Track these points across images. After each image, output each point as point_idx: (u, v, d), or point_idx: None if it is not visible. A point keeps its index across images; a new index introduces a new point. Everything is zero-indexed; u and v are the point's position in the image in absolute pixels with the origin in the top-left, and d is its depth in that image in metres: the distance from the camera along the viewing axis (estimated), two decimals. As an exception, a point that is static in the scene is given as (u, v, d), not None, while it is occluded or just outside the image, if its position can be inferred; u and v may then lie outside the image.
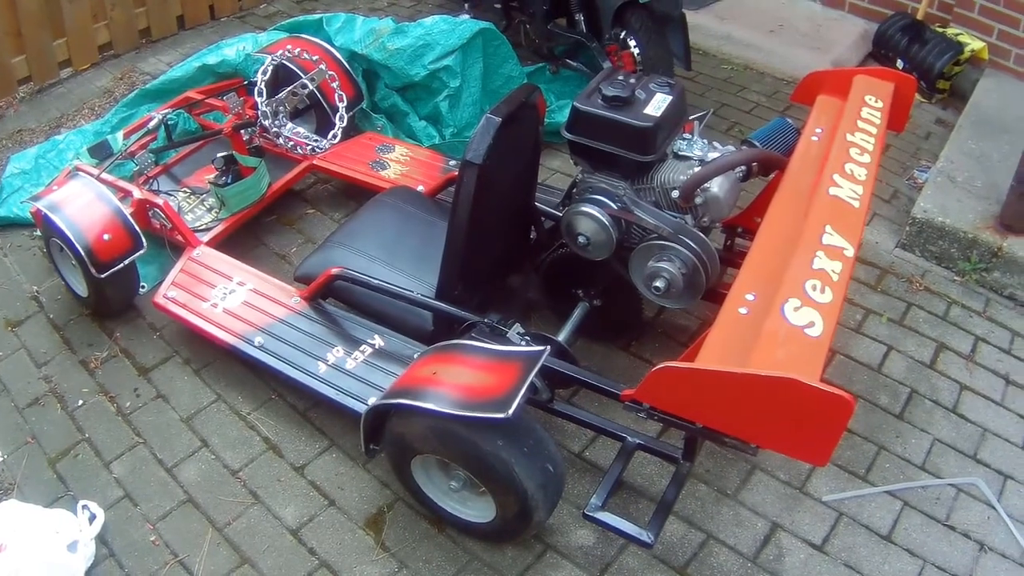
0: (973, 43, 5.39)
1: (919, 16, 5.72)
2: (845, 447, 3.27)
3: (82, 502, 2.95)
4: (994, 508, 3.10)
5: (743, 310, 2.37)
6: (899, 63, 5.56)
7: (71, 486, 3.09)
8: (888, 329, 3.80)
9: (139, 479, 3.11)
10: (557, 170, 4.66)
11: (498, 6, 5.29)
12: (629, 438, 2.91)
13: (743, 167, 2.99)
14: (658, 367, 2.20)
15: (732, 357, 2.21)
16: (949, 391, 3.55)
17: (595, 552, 2.91)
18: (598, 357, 3.54)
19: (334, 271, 3.19)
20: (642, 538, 2.64)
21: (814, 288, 2.27)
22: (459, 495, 2.85)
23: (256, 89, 4.07)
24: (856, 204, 2.59)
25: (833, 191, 2.61)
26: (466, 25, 4.52)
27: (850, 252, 2.41)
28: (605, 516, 2.70)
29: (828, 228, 2.46)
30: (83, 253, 3.36)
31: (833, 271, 2.34)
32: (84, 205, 3.48)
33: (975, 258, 4.05)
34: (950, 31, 5.52)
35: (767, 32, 6.04)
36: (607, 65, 4.40)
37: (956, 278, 4.10)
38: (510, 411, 2.36)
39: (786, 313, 2.21)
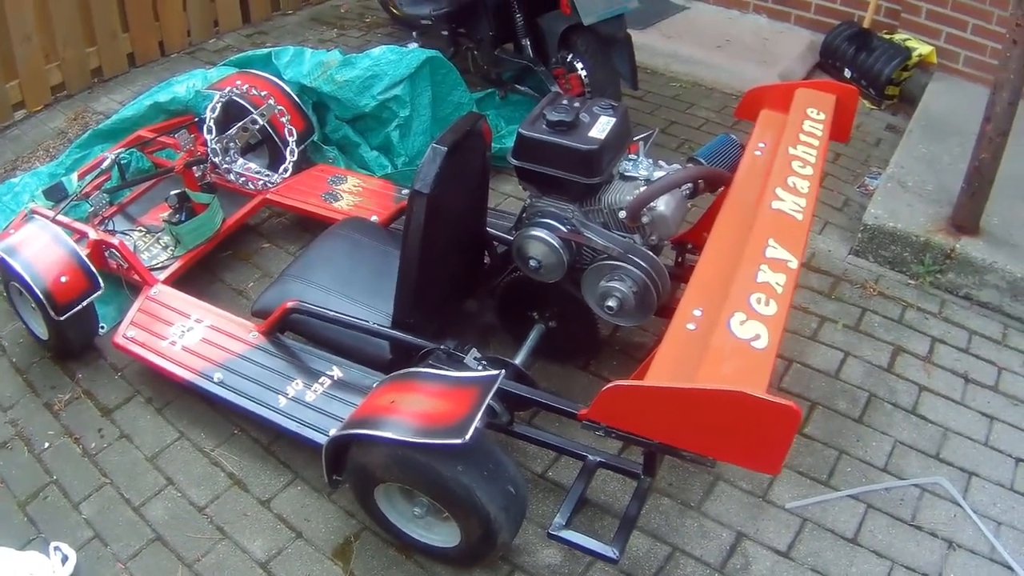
0: (921, 48, 5.46)
1: (865, 24, 5.79)
2: (805, 453, 3.30)
3: (54, 544, 2.94)
4: (960, 506, 3.13)
5: (691, 326, 2.41)
6: (847, 72, 5.63)
7: (42, 528, 3.07)
8: (844, 335, 3.84)
9: (108, 519, 3.10)
10: (509, 194, 4.69)
11: (445, 33, 5.31)
12: (590, 456, 2.93)
13: (689, 185, 3.03)
14: (608, 386, 2.23)
15: (681, 373, 2.24)
16: (908, 393, 3.59)
17: (562, 570, 2.92)
18: (556, 378, 3.56)
19: (290, 305, 3.20)
20: (607, 554, 2.66)
21: (759, 301, 2.31)
22: (424, 521, 2.86)
23: (205, 126, 4.08)
24: (799, 217, 2.63)
25: (776, 205, 2.66)
26: (413, 54, 4.55)
27: (794, 264, 2.45)
28: (570, 534, 2.71)
29: (771, 241, 2.50)
30: (42, 296, 3.35)
31: (777, 283, 2.37)
32: (41, 248, 3.47)
33: (928, 261, 4.10)
34: (897, 37, 5.59)
35: (714, 48, 6.10)
36: (555, 89, 4.46)
37: (910, 281, 4.15)
38: (467, 436, 2.37)
39: (732, 327, 2.24)
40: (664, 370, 2.28)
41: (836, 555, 2.97)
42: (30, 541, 3.03)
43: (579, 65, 4.65)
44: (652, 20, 6.39)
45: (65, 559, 2.90)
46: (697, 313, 2.44)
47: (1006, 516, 3.11)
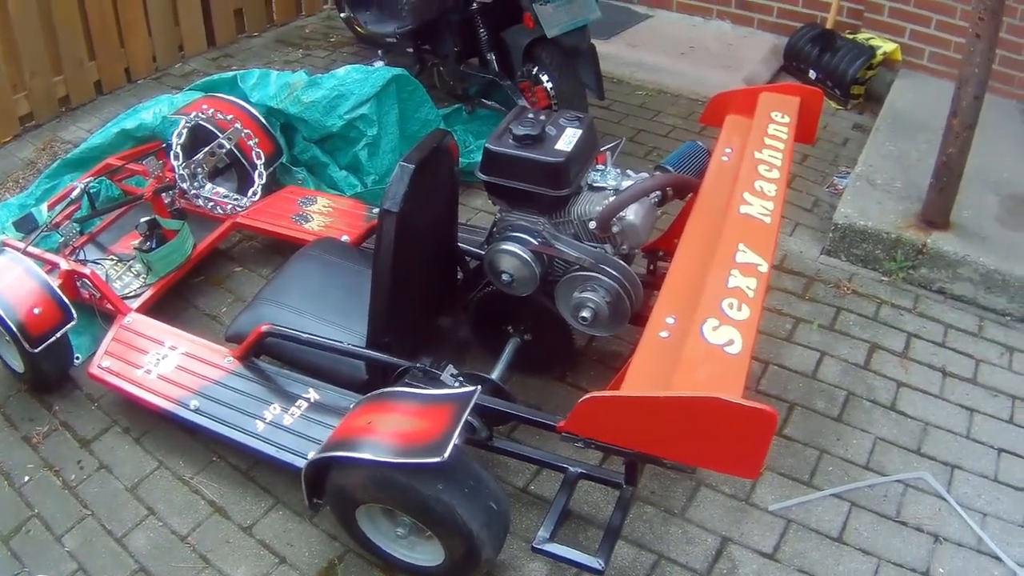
0: (885, 46, 5.51)
1: (828, 25, 5.84)
2: (786, 454, 3.31)
3: (38, 577, 2.93)
4: (944, 499, 3.14)
5: (664, 333, 2.41)
6: (812, 73, 5.67)
7: (26, 562, 3.05)
8: (820, 335, 3.86)
9: (91, 551, 3.07)
10: (481, 209, 4.69)
11: (410, 51, 5.33)
12: (571, 468, 2.92)
13: (658, 193, 3.04)
14: (584, 398, 2.22)
15: (656, 381, 2.25)
16: (886, 390, 3.60)
17: (548, 584, 2.92)
18: (534, 391, 3.56)
19: (264, 328, 3.19)
20: (593, 565, 2.66)
21: (731, 306, 2.31)
22: (407, 541, 2.85)
23: (172, 152, 4.06)
24: (767, 220, 2.64)
25: (744, 209, 2.66)
26: (379, 73, 4.55)
27: (764, 268, 2.45)
28: (554, 547, 2.71)
29: (741, 246, 2.50)
30: (15, 329, 3.32)
31: (748, 288, 2.37)
32: (12, 281, 3.45)
33: (900, 257, 4.12)
34: (861, 36, 5.64)
35: (678, 55, 6.14)
36: (521, 102, 4.47)
37: (883, 278, 4.18)
38: (445, 454, 2.36)
39: (705, 333, 2.24)
40: (639, 379, 2.29)
41: (822, 555, 2.98)
42: (15, 575, 3.01)
43: (544, 78, 4.67)
44: (616, 29, 6.42)
45: (50, 593, 2.88)
46: (670, 321, 2.44)
47: (991, 507, 3.13)
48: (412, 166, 2.78)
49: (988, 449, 3.36)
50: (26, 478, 3.35)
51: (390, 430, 2.56)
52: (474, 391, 2.63)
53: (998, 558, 2.96)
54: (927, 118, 4.87)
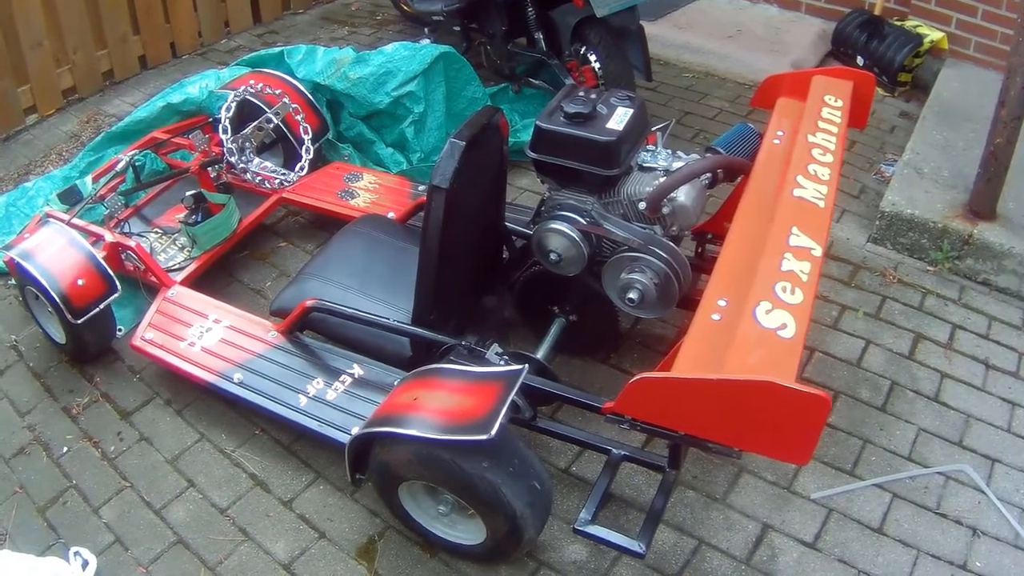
0: (932, 34, 5.44)
1: (876, 11, 5.77)
2: (830, 443, 3.28)
3: (74, 549, 2.93)
4: (984, 493, 3.11)
5: (716, 316, 2.39)
6: (859, 60, 5.61)
7: (62, 533, 3.07)
8: (865, 323, 3.82)
9: (128, 523, 3.10)
10: (525, 188, 4.68)
11: (457, 29, 5.32)
12: (614, 450, 2.91)
13: (708, 174, 3.01)
14: (635, 379, 2.21)
15: (708, 364, 2.23)
16: (930, 380, 3.57)
17: (588, 566, 2.91)
18: (578, 372, 3.55)
19: (309, 303, 3.19)
20: (634, 548, 2.64)
21: (784, 290, 2.29)
22: (448, 519, 2.85)
23: (221, 126, 4.06)
24: (821, 204, 2.61)
25: (798, 192, 2.64)
26: (427, 50, 4.54)
27: (818, 252, 2.43)
28: (596, 529, 2.69)
29: (795, 229, 2.48)
30: (58, 300, 3.34)
31: (802, 272, 2.35)
32: (57, 252, 3.47)
33: (947, 247, 4.08)
34: (908, 24, 5.57)
35: (725, 38, 6.09)
36: (569, 82, 4.44)
37: (929, 268, 4.14)
38: (492, 432, 2.36)
39: (758, 316, 2.22)
40: (691, 361, 2.27)
41: (862, 545, 2.96)
42: (50, 547, 3.03)
43: (592, 57, 4.64)
44: (664, 11, 6.37)
45: (85, 564, 2.89)
46: (722, 303, 2.42)
47: (1030, 503, 3.11)
48: (463, 143, 2.77)
49: (1029, 444, 3.33)
50: (65, 449, 3.37)
51: (437, 407, 2.56)
52: (522, 369, 2.62)
53: (1035, 554, 2.94)
54: (973, 108, 4.81)
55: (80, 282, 3.40)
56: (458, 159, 2.76)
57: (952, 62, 5.42)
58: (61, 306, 3.36)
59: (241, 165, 4.15)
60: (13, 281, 3.92)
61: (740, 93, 5.58)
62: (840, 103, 3.13)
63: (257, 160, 4.27)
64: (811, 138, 2.90)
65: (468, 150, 2.79)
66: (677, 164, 3.05)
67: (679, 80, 5.77)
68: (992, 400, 3.49)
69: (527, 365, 2.71)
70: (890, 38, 5.45)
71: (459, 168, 2.77)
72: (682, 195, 2.93)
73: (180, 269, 3.80)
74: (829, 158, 2.82)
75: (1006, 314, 3.91)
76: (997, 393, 3.52)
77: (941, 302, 3.95)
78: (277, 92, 4.26)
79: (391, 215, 3.94)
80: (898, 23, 5.60)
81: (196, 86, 4.71)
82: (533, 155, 3.06)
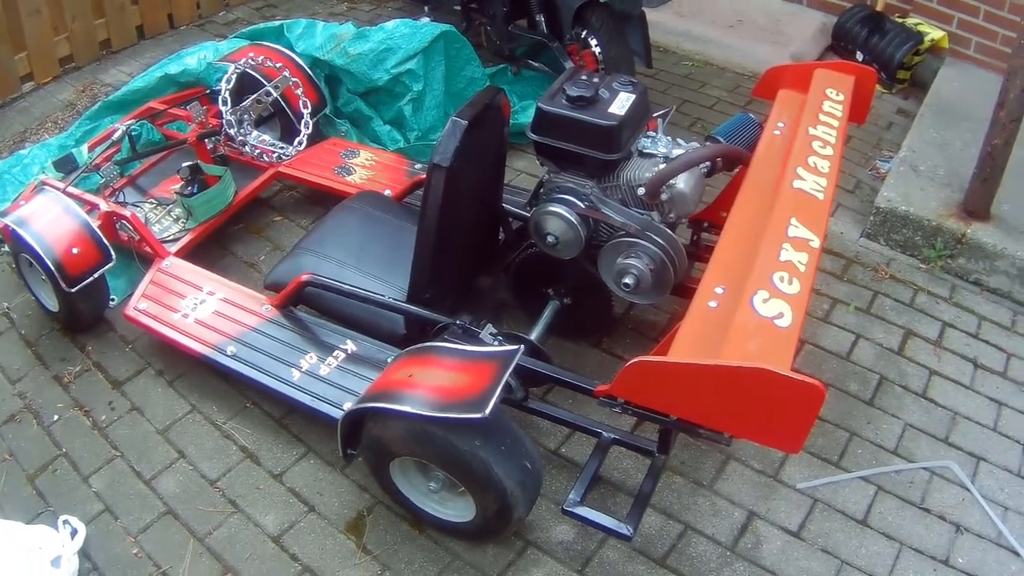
0: (933, 33, 5.44)
1: (878, 7, 5.76)
2: (817, 434, 3.30)
3: (63, 517, 2.92)
4: (968, 490, 3.14)
5: (713, 303, 2.40)
6: (858, 55, 5.61)
7: (51, 501, 3.08)
8: (856, 317, 3.84)
9: (118, 492, 3.10)
10: (522, 171, 4.68)
11: (458, 8, 5.30)
12: (604, 433, 2.92)
13: (707, 163, 3.02)
14: (632, 362, 2.22)
15: (704, 350, 2.24)
16: (918, 376, 3.59)
17: (576, 547, 2.93)
18: (570, 355, 3.56)
19: (304, 278, 3.19)
20: (621, 531, 2.67)
21: (782, 280, 2.30)
22: (438, 496, 2.87)
23: (220, 98, 4.05)
24: (820, 196, 2.62)
25: (797, 184, 2.65)
26: (427, 28, 4.53)
27: (816, 243, 2.44)
28: (584, 511, 2.71)
29: (793, 220, 2.49)
30: (52, 268, 3.34)
31: (800, 262, 2.36)
32: (52, 219, 3.46)
33: (940, 245, 4.09)
34: (909, 21, 5.57)
35: (726, 27, 6.08)
36: (569, 65, 4.44)
37: (921, 265, 4.15)
38: (487, 411, 2.37)
39: (755, 305, 2.23)
40: (687, 346, 2.28)
41: (846, 536, 2.98)
42: (39, 515, 3.03)
43: (593, 42, 4.64)
44: (667, -3, 6.37)
45: (74, 533, 2.88)
46: (719, 291, 2.43)
47: (1013, 501, 3.12)
48: (465, 122, 2.78)
49: (1014, 444, 3.34)
50: (55, 417, 3.38)
51: (431, 384, 2.57)
52: (518, 350, 2.62)
53: (1017, 553, 2.95)
54: (971, 108, 4.82)
55: (75, 251, 3.39)
56: (459, 138, 2.76)
57: (952, 61, 5.43)
58: (55, 274, 3.35)
59: (240, 138, 4.14)
60: (7, 248, 3.90)
61: (739, 83, 5.58)
62: (842, 97, 3.13)
63: (255, 133, 4.26)
64: (812, 130, 2.90)
65: (470, 129, 2.79)
66: (677, 151, 3.05)
67: (678, 68, 5.77)
68: (979, 399, 3.52)
69: (522, 346, 2.72)
70: (891, 35, 5.46)
71: (460, 147, 2.77)
72: (681, 182, 2.93)
73: (175, 240, 3.80)
74: (829, 151, 2.83)
75: (996, 314, 3.92)
76: (984, 392, 3.54)
77: (932, 300, 3.97)
78: (277, 66, 4.25)
79: (388, 192, 3.94)
80: (899, 20, 5.60)
81: (194, 57, 4.69)
82: (534, 137, 3.05)
